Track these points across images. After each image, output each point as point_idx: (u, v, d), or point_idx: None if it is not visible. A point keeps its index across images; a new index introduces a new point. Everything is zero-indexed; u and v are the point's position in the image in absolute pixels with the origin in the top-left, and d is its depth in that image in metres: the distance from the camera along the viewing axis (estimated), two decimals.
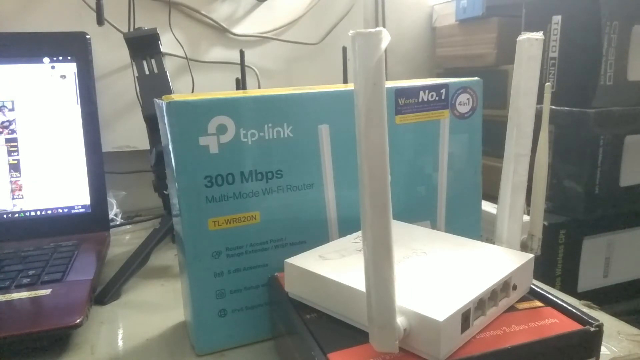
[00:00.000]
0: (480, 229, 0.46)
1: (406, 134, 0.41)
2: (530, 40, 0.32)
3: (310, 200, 0.38)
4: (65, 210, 0.61)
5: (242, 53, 0.69)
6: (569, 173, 0.78)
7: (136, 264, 0.52)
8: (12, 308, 0.41)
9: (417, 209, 0.43)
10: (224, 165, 0.35)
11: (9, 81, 0.59)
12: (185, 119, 0.34)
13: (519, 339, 0.27)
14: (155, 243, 0.55)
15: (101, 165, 0.62)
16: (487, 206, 0.50)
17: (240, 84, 0.69)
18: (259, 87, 0.84)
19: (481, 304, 0.28)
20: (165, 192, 0.59)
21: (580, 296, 0.46)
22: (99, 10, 0.63)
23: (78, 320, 0.39)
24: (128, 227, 0.71)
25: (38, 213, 0.60)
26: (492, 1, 0.88)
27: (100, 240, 0.58)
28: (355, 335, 0.28)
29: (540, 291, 0.32)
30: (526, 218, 0.37)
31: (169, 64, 0.77)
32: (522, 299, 0.32)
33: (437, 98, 0.42)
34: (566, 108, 0.78)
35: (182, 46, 0.78)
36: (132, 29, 0.69)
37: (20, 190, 0.60)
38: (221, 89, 0.78)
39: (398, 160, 0.41)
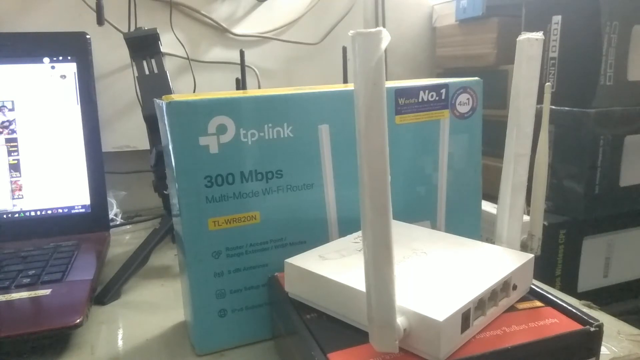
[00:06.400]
0: (480, 229, 0.46)
1: (406, 134, 0.41)
2: (530, 40, 0.32)
3: (310, 200, 0.38)
4: (65, 210, 0.61)
5: (242, 53, 0.69)
6: (569, 173, 0.78)
7: (136, 264, 0.52)
8: (12, 308, 0.41)
9: (417, 209, 0.43)
10: (224, 165, 0.35)
11: (9, 81, 0.59)
12: (185, 119, 0.34)
13: (519, 339, 0.27)
14: (155, 243, 0.55)
15: (101, 165, 0.62)
16: (487, 206, 0.50)
17: (240, 84, 0.69)
18: (259, 87, 0.84)
19: (481, 304, 0.28)
20: (165, 192, 0.59)
21: (580, 296, 0.46)
22: (99, 10, 0.63)
23: (78, 321, 0.39)
24: (128, 227, 0.71)
25: (38, 213, 0.60)
26: (492, 1, 0.88)
27: (100, 240, 0.58)
28: (355, 335, 0.28)
29: (540, 291, 0.32)
30: (526, 218, 0.37)
31: (169, 64, 0.77)
32: (522, 299, 0.32)
33: (437, 98, 0.42)
34: (566, 108, 0.78)
35: (183, 46, 0.78)
36: (132, 29, 0.69)
37: (20, 190, 0.60)
38: (221, 89, 0.78)
39: (398, 160, 0.41)
